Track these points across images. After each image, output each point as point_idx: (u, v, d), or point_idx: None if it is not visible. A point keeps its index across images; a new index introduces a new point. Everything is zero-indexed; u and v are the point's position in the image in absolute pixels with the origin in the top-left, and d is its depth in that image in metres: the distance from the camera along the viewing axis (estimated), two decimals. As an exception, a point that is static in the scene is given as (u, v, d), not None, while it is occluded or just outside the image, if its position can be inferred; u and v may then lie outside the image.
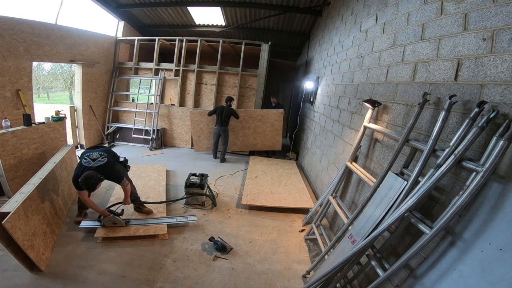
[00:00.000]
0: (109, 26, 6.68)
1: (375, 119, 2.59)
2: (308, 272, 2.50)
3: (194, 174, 3.92)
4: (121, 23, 6.80)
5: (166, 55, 8.65)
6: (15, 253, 2.06)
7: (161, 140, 6.77)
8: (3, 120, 3.50)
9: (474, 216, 1.29)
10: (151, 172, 4.55)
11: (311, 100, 5.62)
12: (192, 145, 6.78)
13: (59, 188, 3.07)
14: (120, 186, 2.90)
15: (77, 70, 5.75)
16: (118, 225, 2.88)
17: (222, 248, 2.73)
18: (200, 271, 2.45)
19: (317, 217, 3.07)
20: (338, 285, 2.07)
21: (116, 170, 2.92)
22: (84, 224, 2.82)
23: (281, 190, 4.16)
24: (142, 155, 5.91)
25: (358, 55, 3.20)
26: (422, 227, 1.45)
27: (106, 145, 6.36)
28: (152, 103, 6.55)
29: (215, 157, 5.99)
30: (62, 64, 13.56)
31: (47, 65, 15.00)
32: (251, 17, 6.70)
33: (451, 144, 1.43)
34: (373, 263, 1.78)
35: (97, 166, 2.66)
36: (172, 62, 6.59)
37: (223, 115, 5.55)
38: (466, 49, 1.55)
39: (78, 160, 2.92)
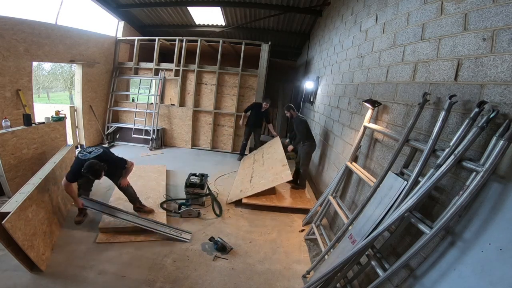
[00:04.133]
0: (109, 26, 6.69)
1: (375, 119, 2.59)
2: (308, 272, 2.50)
3: (194, 174, 3.92)
4: (121, 23, 6.80)
5: (166, 55, 8.64)
6: (15, 253, 2.06)
7: (161, 140, 6.77)
8: (3, 120, 3.50)
9: (474, 216, 1.29)
10: (151, 172, 4.55)
11: (311, 100, 5.62)
12: (192, 145, 6.78)
13: (59, 188, 3.06)
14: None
15: (77, 70, 5.75)
16: (192, 216, 3.27)
17: (222, 248, 2.73)
18: (200, 271, 2.45)
19: (317, 217, 3.07)
20: (338, 285, 2.07)
21: (115, 156, 3.05)
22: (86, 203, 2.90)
23: (281, 190, 4.16)
24: (142, 155, 5.90)
25: (358, 55, 3.20)
26: (422, 227, 1.45)
27: (106, 145, 6.36)
28: (152, 103, 6.54)
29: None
30: (62, 64, 13.57)
31: (47, 65, 15.04)
32: (251, 17, 6.70)
33: (451, 144, 1.43)
34: (373, 263, 1.78)
35: (95, 156, 2.78)
36: (172, 62, 6.59)
37: None
38: (466, 49, 1.55)
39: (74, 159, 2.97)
